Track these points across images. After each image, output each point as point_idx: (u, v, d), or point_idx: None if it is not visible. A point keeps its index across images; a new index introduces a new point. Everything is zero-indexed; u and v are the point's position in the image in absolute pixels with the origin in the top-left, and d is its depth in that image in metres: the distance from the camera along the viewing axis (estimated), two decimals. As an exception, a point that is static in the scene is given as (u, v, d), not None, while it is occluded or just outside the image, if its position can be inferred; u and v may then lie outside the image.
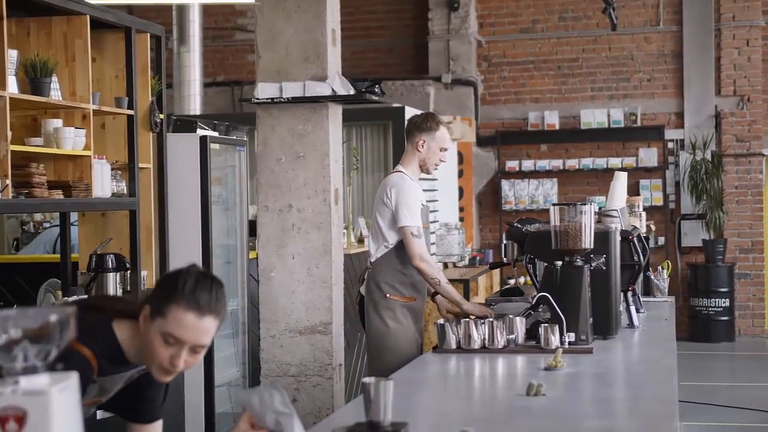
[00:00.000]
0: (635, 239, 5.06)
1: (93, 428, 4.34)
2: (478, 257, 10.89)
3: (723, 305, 12.11)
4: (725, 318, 12.15)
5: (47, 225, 8.96)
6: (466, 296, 8.93)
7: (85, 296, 5.00)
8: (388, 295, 5.12)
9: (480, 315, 4.82)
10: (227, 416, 6.61)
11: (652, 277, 6.38)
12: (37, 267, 6.36)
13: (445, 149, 5.26)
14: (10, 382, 1.74)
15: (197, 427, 6.13)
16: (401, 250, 5.09)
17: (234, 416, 6.73)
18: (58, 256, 5.71)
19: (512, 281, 11.94)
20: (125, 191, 5.52)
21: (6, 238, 8.96)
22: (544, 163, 12.73)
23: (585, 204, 4.41)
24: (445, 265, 10.26)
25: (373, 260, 5.22)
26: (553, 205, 4.46)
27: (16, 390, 1.72)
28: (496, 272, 11.17)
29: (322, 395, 5.57)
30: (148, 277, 5.76)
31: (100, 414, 4.51)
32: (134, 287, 5.56)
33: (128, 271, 5.53)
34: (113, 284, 5.37)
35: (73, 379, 1.79)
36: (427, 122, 5.23)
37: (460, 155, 12.23)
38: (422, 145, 5.19)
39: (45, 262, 6.39)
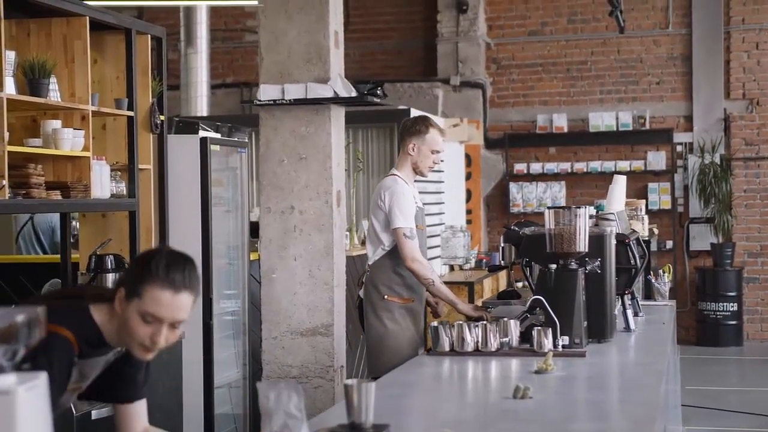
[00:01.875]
0: (632, 243, 5.05)
1: (89, 427, 4.37)
2: (484, 260, 10.88)
3: (731, 309, 12.07)
4: (733, 322, 12.11)
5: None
6: (471, 299, 8.92)
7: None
8: (386, 296, 5.16)
9: (475, 316, 4.85)
10: (227, 418, 6.62)
11: (653, 281, 6.37)
12: (41, 267, 6.39)
13: (437, 152, 5.30)
14: (-24, 381, 1.75)
15: (197, 428, 6.14)
16: (397, 251, 5.12)
17: (234, 417, 6.74)
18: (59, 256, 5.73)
19: (520, 284, 11.92)
20: (125, 192, 5.54)
21: (12, 238, 9.00)
22: (552, 166, 12.71)
23: (580, 207, 4.41)
24: (451, 268, 10.26)
25: (370, 263, 5.27)
26: (548, 208, 4.46)
27: (-19, 389, 1.74)
28: (503, 275, 11.16)
29: (324, 397, 5.57)
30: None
31: (96, 414, 4.55)
32: (133, 288, 5.57)
33: (127, 272, 5.54)
34: (112, 285, 5.39)
35: (40, 378, 1.81)
36: (416, 125, 5.29)
37: (468, 157, 12.23)
38: (413, 149, 5.26)
39: (48, 262, 6.42)
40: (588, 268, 4.46)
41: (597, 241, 4.53)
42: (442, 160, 5.53)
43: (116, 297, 2.67)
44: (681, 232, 12.55)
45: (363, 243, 8.14)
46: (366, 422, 2.75)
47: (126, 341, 2.69)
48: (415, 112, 9.79)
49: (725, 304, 12.07)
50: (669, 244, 12.37)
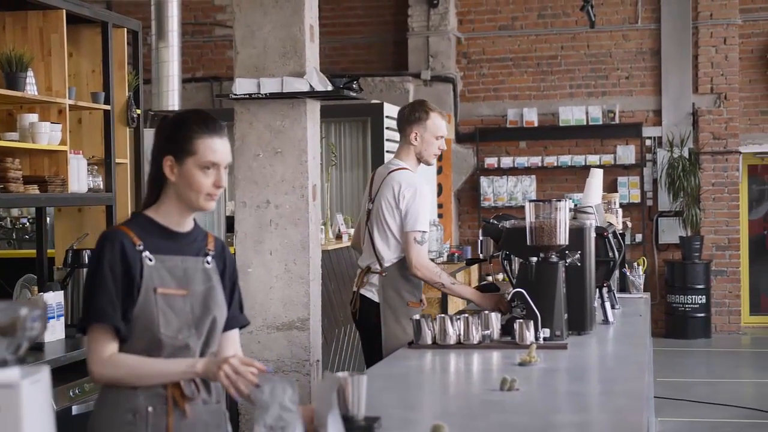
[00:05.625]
0: (610, 236, 5.09)
1: (70, 423, 4.34)
2: (456, 254, 10.91)
3: (699, 302, 12.19)
4: (702, 314, 12.23)
5: (24, 221, 8.92)
6: (444, 293, 8.91)
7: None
8: (409, 303, 4.95)
9: (493, 308, 4.65)
10: (204, 412, 6.59)
11: (628, 273, 6.42)
12: (14, 262, 6.34)
13: (441, 137, 5.03)
14: (-19, 375, 1.74)
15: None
16: None
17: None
18: (35, 251, 5.68)
19: (490, 277, 11.98)
20: (102, 186, 5.51)
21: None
22: (522, 160, 12.77)
23: (560, 200, 4.43)
24: (424, 262, 10.26)
25: (386, 264, 4.97)
26: (529, 201, 4.47)
27: (-14, 383, 1.73)
28: (475, 268, 11.21)
29: (300, 391, 5.50)
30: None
31: (75, 409, 4.52)
32: (111, 282, 5.54)
33: (104, 267, 5.51)
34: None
35: (43, 373, 1.80)
36: (415, 112, 5.02)
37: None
38: (416, 138, 5.00)
39: (22, 257, 6.37)
40: (568, 261, 4.48)
41: (577, 234, 4.55)
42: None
43: (165, 167, 2.83)
44: (650, 225, 12.66)
45: (338, 237, 8.13)
46: (358, 414, 2.76)
47: (190, 201, 2.84)
48: (388, 107, 9.81)
49: (694, 296, 12.19)
50: (638, 237, 12.47)
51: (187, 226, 2.91)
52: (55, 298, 5.04)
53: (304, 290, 5.68)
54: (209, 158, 2.82)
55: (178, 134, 2.85)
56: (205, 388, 2.83)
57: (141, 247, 2.79)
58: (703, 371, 10.70)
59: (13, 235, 8.89)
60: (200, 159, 2.81)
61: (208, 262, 2.91)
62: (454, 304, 9.26)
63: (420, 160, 5.07)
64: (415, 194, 4.88)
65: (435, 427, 2.65)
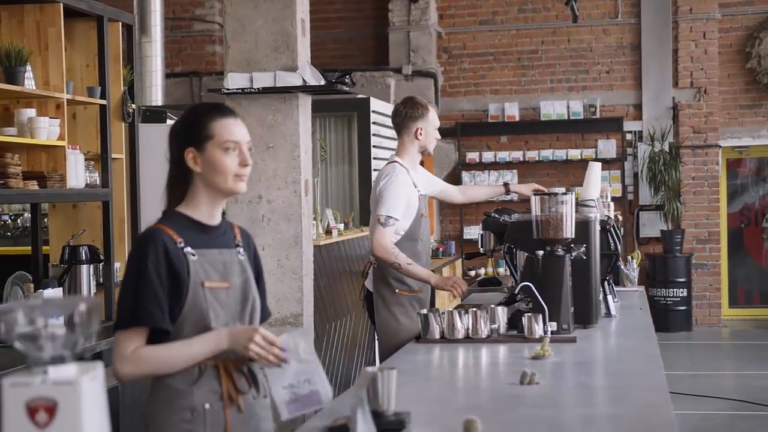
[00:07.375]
0: (612, 228, 5.10)
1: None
2: (440, 249, 10.91)
3: (681, 295, 12.26)
4: (683, 308, 12.30)
5: (6, 217, 8.83)
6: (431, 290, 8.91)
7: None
8: (397, 290, 5.07)
9: (449, 288, 4.95)
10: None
11: (622, 267, 6.44)
12: (6, 259, 6.26)
13: (438, 126, 5.30)
14: (39, 372, 1.72)
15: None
16: (406, 242, 5.04)
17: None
18: (29, 248, 5.61)
19: (473, 272, 11.99)
20: (98, 182, 5.45)
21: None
22: (504, 155, 12.78)
23: (566, 194, 4.43)
24: (409, 257, 10.24)
25: (377, 255, 5.08)
26: (534, 194, 4.47)
27: (45, 380, 1.71)
28: (459, 263, 11.22)
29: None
30: (122, 268, 5.69)
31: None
32: (107, 279, 5.49)
33: (101, 263, 5.46)
34: (86, 276, 5.30)
35: (99, 369, 1.77)
36: (417, 109, 5.20)
37: (421, 147, 12.22)
38: (420, 133, 5.19)
39: (13, 254, 6.30)
40: (574, 254, 4.48)
41: (582, 227, 4.55)
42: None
43: (189, 160, 2.82)
44: (631, 219, 12.71)
45: (327, 232, 8.10)
46: (388, 409, 2.74)
47: (219, 186, 2.82)
48: (375, 102, 9.79)
49: (675, 290, 12.25)
50: (620, 231, 12.51)
51: (217, 218, 2.89)
52: (54, 295, 5.00)
53: (297, 285, 5.67)
54: (227, 137, 2.81)
55: (192, 125, 2.85)
56: (254, 383, 2.81)
57: (182, 244, 2.77)
58: (686, 364, 10.75)
59: (-5, 232, 8.81)
60: (219, 140, 2.81)
61: (240, 254, 2.90)
62: (441, 299, 9.26)
63: (423, 153, 5.26)
64: (389, 181, 5.02)
65: (468, 422, 2.63)
